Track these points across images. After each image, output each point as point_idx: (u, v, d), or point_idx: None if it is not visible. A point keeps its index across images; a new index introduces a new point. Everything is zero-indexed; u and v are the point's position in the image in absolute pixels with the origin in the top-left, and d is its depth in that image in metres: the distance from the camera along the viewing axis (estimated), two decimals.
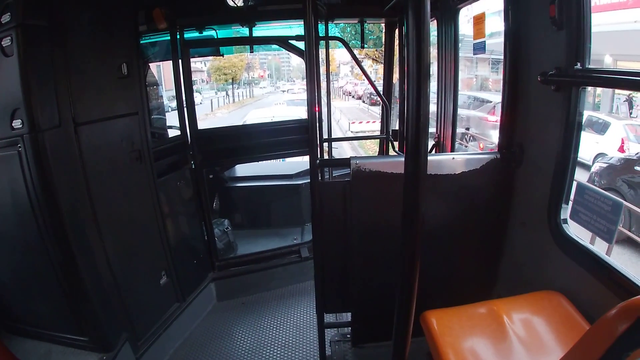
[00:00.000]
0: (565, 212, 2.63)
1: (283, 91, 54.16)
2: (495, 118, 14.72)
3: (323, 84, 4.47)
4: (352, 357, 3.31)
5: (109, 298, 3.28)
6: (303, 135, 4.84)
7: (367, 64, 22.35)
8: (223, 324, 4.35)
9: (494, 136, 14.00)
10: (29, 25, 2.65)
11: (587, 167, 9.82)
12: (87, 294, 3.12)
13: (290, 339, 4.08)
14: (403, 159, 1.26)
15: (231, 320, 4.41)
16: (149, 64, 4.58)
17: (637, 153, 8.73)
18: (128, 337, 3.43)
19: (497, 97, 16.56)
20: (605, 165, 8.79)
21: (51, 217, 2.91)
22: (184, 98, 4.38)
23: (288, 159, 6.64)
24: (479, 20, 3.47)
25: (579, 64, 2.34)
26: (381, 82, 5.72)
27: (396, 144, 5.20)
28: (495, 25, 3.54)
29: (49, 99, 2.81)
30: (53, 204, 2.88)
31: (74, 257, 3.00)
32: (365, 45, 5.35)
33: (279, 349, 3.95)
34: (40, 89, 2.75)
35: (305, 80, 2.84)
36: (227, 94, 48.10)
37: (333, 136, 5.53)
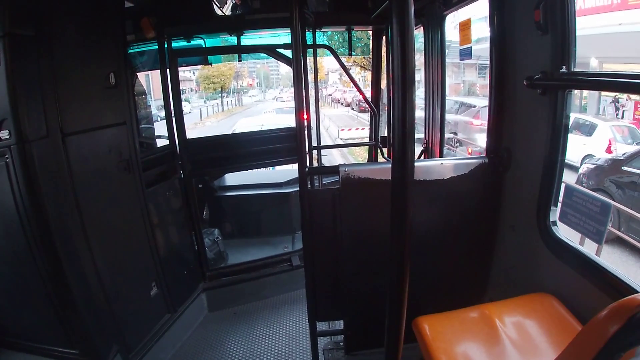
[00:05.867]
0: (555, 214, 2.65)
1: (274, 98, 54.18)
2: (480, 122, 14.94)
3: (312, 92, 4.48)
4: None
5: (98, 310, 3.24)
6: (292, 143, 4.83)
7: (355, 71, 22.45)
8: (215, 334, 4.31)
9: (479, 139, 14.13)
10: (15, 35, 2.63)
11: (575, 168, 9.90)
12: (76, 306, 3.09)
13: (283, 348, 4.05)
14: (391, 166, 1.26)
15: (223, 330, 4.38)
16: (137, 74, 4.56)
17: (624, 153, 8.81)
18: (119, 349, 3.39)
19: (481, 102, 16.82)
20: (593, 166, 8.88)
21: (39, 228, 2.87)
22: (172, 107, 4.36)
23: (278, 167, 6.62)
24: (465, 27, 3.50)
25: (564, 68, 2.37)
26: (369, 89, 5.74)
27: (385, 150, 5.21)
28: (482, 31, 3.57)
29: (37, 110, 2.79)
30: (41, 214, 2.85)
31: (62, 268, 2.97)
32: (353, 53, 5.38)
33: (271, 359, 3.92)
34: (28, 99, 2.73)
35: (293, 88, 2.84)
36: (222, 101, 48.10)
37: (322, 144, 5.52)
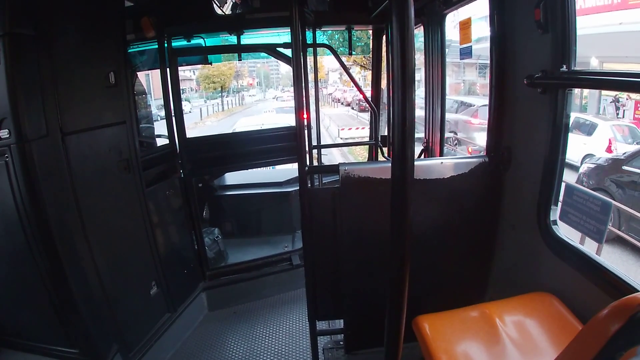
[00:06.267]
0: (555, 213, 2.65)
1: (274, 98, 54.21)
2: (478, 121, 15.02)
3: (312, 91, 4.48)
4: None
5: (98, 309, 3.24)
6: (292, 142, 4.82)
7: (355, 70, 22.45)
8: (215, 333, 4.32)
9: (478, 138, 14.15)
10: (16, 34, 2.62)
11: (575, 168, 9.89)
12: (77, 305, 3.09)
13: (283, 347, 4.05)
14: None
15: (223, 329, 4.38)
16: (137, 73, 4.56)
17: (625, 153, 8.81)
18: (119, 349, 3.39)
19: (479, 101, 16.95)
20: (593, 165, 8.87)
21: (39, 228, 2.87)
22: (172, 106, 4.36)
23: (278, 167, 6.62)
24: (465, 26, 3.49)
25: (564, 67, 2.37)
26: (369, 88, 5.74)
27: (385, 149, 5.21)
28: (482, 30, 3.57)
29: (36, 109, 2.78)
30: (41, 214, 2.85)
31: (62, 267, 2.97)
32: (353, 52, 5.37)
33: (271, 358, 3.92)
34: (28, 98, 2.72)
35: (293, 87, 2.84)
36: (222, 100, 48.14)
37: (323, 143, 5.52)
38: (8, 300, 3.31)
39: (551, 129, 2.51)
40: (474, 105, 17.28)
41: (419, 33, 4.30)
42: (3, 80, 2.63)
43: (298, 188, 3.02)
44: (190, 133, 4.63)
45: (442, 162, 2.97)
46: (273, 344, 4.11)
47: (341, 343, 3.35)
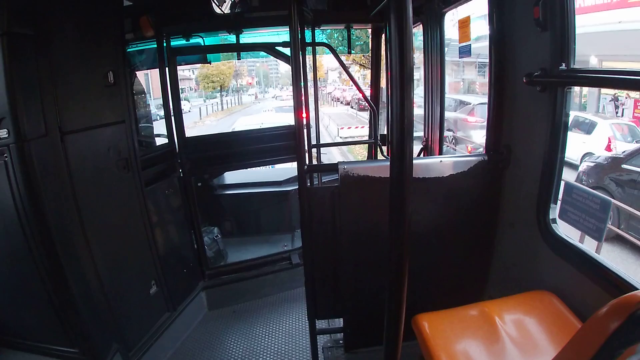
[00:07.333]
0: (554, 211, 2.65)
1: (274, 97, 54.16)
2: (475, 119, 15.05)
3: (311, 90, 4.47)
4: None
5: (98, 308, 3.23)
6: (292, 141, 4.83)
7: (354, 69, 22.44)
8: (214, 332, 4.31)
9: (474, 136, 14.15)
10: (14, 34, 2.62)
11: (574, 166, 9.90)
12: (76, 305, 3.08)
13: (283, 346, 4.05)
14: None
15: (222, 328, 4.38)
16: (136, 72, 4.55)
17: (624, 151, 8.82)
18: (119, 348, 3.38)
19: (476, 99, 17.02)
20: (592, 164, 8.87)
21: (38, 227, 2.86)
22: (171, 106, 4.35)
23: (278, 166, 6.61)
24: (464, 24, 3.49)
25: (563, 65, 2.37)
26: (369, 87, 5.74)
27: (384, 148, 5.21)
28: (481, 28, 3.57)
29: (35, 108, 2.78)
30: (40, 213, 2.84)
31: (61, 267, 2.96)
32: (352, 51, 5.36)
33: (271, 357, 3.92)
34: (26, 98, 2.71)
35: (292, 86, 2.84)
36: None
37: (322, 142, 5.52)
38: (7, 300, 3.31)
39: (550, 127, 2.51)
40: (469, 104, 17.35)
41: (418, 32, 4.30)
42: (2, 79, 2.62)
43: (297, 187, 3.02)
44: (189, 132, 4.62)
45: (441, 161, 2.97)
46: (272, 343, 4.11)
47: (341, 342, 3.35)
